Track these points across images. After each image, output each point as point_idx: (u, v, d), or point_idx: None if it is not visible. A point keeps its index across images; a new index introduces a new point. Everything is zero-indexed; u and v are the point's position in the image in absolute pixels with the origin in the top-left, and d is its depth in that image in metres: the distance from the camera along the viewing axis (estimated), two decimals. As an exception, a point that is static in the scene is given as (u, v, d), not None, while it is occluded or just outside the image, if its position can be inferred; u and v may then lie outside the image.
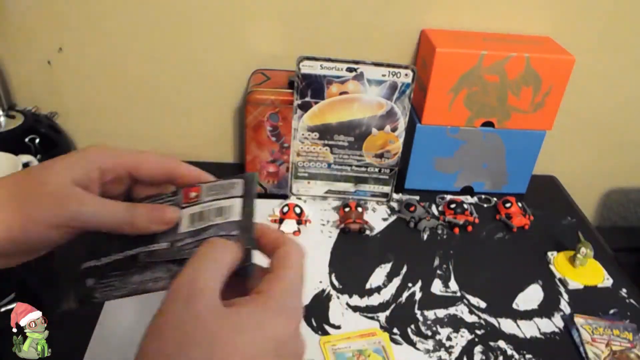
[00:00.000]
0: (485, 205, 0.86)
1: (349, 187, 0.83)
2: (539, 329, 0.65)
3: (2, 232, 0.34)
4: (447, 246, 0.77)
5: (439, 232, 0.79)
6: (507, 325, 0.65)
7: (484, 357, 0.60)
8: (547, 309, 0.68)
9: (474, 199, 0.87)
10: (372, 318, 0.64)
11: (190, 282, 0.30)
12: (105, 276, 0.37)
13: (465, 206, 0.82)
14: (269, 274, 0.34)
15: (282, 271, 0.33)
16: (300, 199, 0.83)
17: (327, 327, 0.62)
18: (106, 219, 0.37)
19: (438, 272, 0.72)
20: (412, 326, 0.64)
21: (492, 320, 0.65)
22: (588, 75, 0.89)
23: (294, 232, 0.75)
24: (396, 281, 0.70)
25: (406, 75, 0.73)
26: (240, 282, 0.35)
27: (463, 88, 0.78)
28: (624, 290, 0.72)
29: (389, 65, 0.73)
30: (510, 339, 0.63)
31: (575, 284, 0.71)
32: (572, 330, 0.64)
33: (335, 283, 0.69)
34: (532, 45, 0.80)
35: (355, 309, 0.65)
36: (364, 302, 0.66)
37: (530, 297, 0.69)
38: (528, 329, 0.65)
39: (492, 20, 0.84)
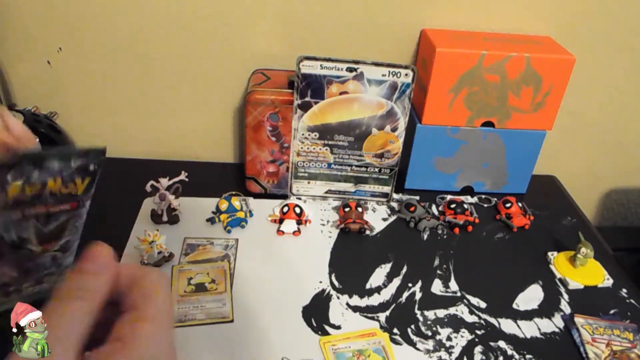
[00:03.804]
0: (485, 205, 0.86)
1: (349, 187, 0.83)
2: (539, 329, 0.65)
3: None
4: (447, 246, 0.77)
5: (439, 232, 0.79)
6: (507, 325, 0.65)
7: (484, 357, 0.60)
8: (547, 309, 0.68)
9: (474, 199, 0.87)
10: (372, 318, 0.64)
11: None
12: None
13: (465, 206, 0.82)
14: (128, 312, 0.28)
15: (144, 307, 0.28)
16: (300, 199, 0.83)
17: (327, 327, 0.62)
18: None
19: (438, 272, 0.72)
20: (412, 326, 0.63)
21: (492, 320, 0.65)
22: (588, 75, 0.89)
23: (294, 232, 0.75)
24: (396, 281, 0.70)
25: (406, 75, 0.73)
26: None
27: (463, 88, 0.78)
28: (624, 290, 0.72)
29: (389, 65, 0.73)
30: (511, 339, 0.63)
31: (575, 284, 0.71)
32: (572, 330, 0.64)
33: (335, 283, 0.69)
34: (532, 45, 0.80)
35: (355, 309, 0.65)
36: (364, 302, 0.66)
37: (531, 297, 0.69)
38: (528, 329, 0.64)
39: (492, 20, 0.84)
